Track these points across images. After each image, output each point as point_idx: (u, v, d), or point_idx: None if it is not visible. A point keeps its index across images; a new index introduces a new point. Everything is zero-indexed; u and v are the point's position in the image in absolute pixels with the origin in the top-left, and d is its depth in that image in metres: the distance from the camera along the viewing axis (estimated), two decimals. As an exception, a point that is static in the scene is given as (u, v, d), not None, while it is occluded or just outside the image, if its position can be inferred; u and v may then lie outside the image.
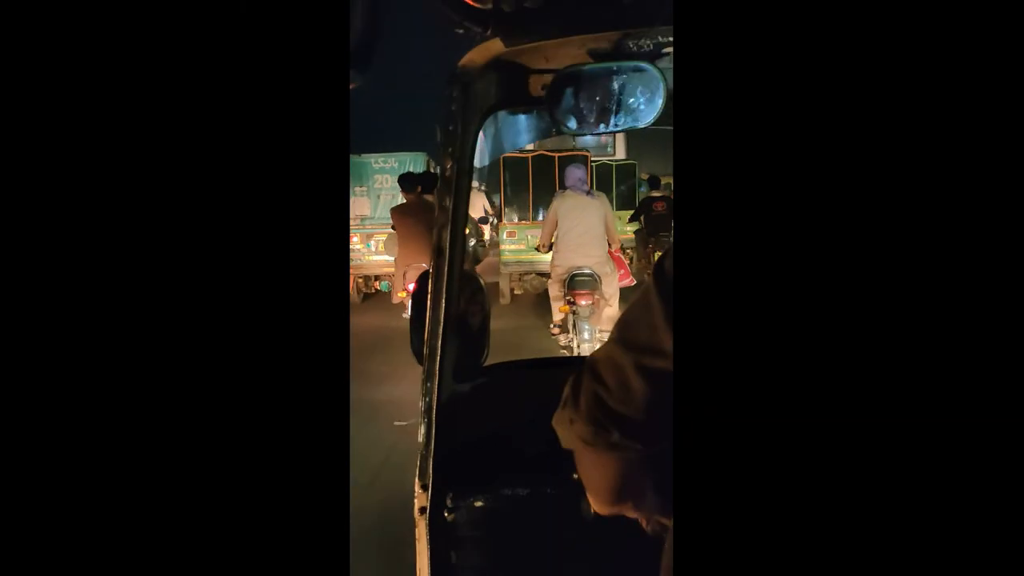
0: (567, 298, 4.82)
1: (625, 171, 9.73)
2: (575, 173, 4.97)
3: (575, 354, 4.69)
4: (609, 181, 9.40)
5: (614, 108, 1.00)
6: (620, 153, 10.32)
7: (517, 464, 1.20)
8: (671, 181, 9.08)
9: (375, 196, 8.93)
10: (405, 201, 5.52)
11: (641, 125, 1.01)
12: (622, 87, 1.00)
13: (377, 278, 8.87)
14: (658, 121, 1.03)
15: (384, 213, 8.56)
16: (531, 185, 8.40)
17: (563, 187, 5.04)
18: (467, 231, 5.97)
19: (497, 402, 1.35)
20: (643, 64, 0.98)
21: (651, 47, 0.99)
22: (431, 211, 5.86)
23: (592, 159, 8.81)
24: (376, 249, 8.57)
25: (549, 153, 8.38)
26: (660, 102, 1.00)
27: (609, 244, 4.97)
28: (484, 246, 8.15)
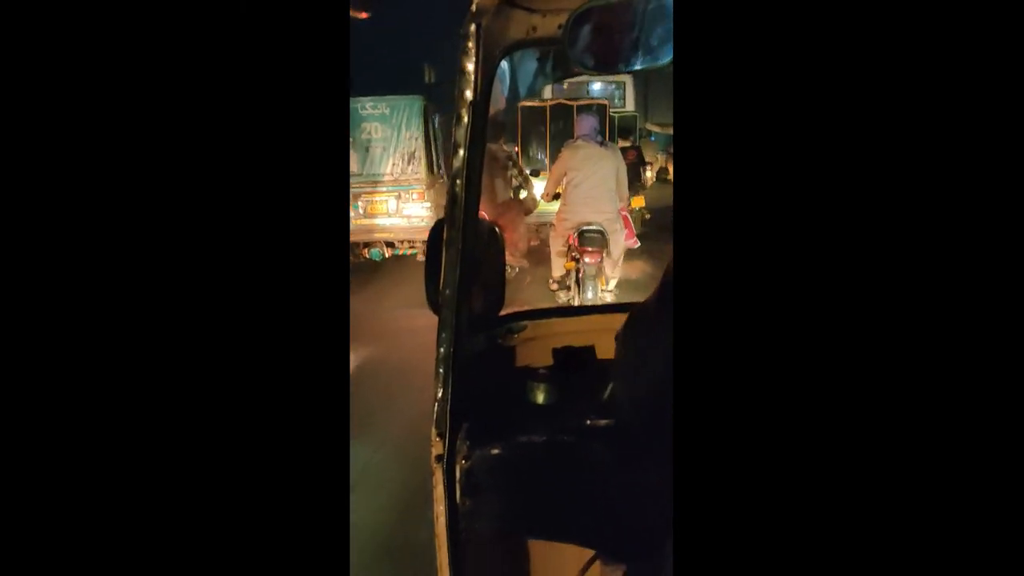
0: (572, 254, 4.68)
1: (627, 122, 9.76)
2: (589, 121, 4.77)
3: None
4: (612, 132, 9.43)
5: (633, 46, 1.00)
6: (630, 105, 10.33)
7: (532, 411, 1.23)
8: (670, 131, 9.16)
9: (363, 149, 7.72)
10: None
11: (661, 63, 1.00)
12: (641, 24, 0.99)
13: (366, 245, 7.78)
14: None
15: (375, 169, 7.79)
16: (548, 135, 8.26)
17: (576, 136, 4.84)
18: (515, 182, 5.70)
19: (512, 351, 1.38)
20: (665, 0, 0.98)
21: None
22: (495, 160, 5.38)
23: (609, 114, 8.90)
24: (365, 212, 7.69)
25: (567, 102, 8.25)
26: None
27: (619, 200, 4.80)
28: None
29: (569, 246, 4.74)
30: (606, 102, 8.49)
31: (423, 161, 7.29)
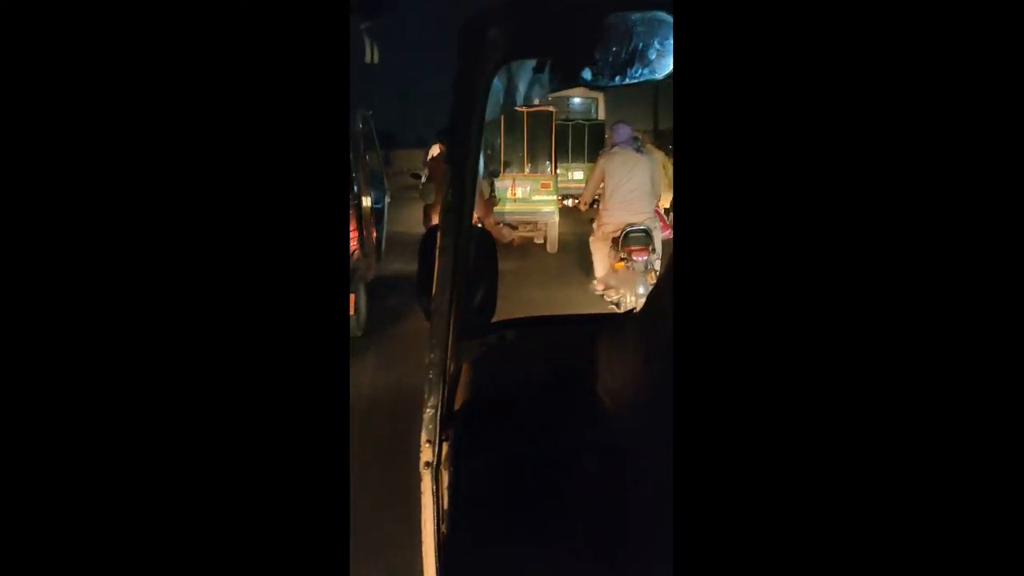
0: (620, 255, 5.00)
1: (596, 129, 10.84)
2: (624, 131, 5.16)
3: (625, 309, 4.88)
4: (582, 139, 10.42)
5: (631, 59, 1.03)
6: (602, 116, 11.33)
7: (522, 421, 1.25)
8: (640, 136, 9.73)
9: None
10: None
11: (658, 77, 1.04)
12: (640, 37, 1.02)
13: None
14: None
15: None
16: (502, 140, 8.68)
17: (612, 144, 5.20)
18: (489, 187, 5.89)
19: (504, 359, 1.40)
20: (662, 14, 1.01)
21: None
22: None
23: (580, 120, 10.39)
24: None
25: (519, 109, 8.68)
26: None
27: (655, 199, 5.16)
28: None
29: (616, 248, 5.07)
30: (553, 109, 9.00)
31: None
